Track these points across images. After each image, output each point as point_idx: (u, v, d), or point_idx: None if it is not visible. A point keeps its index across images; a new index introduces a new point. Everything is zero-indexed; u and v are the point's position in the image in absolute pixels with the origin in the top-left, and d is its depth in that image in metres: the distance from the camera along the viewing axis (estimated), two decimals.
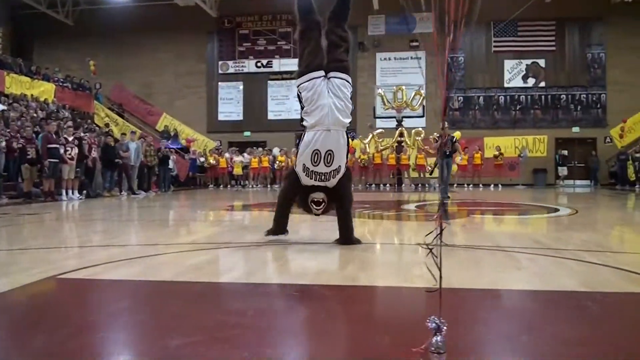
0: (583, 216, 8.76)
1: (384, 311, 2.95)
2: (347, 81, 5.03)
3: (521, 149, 22.70)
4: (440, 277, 2.03)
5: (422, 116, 22.20)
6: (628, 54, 23.55)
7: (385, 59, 24.52)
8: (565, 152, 23.61)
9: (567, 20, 23.87)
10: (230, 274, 3.81)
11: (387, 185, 20.96)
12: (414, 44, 24.29)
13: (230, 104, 25.22)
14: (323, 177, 4.89)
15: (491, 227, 7.38)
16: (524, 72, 24.17)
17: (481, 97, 24.28)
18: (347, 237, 5.08)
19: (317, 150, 4.77)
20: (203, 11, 23.82)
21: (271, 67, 25.17)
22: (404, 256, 4.77)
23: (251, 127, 25.05)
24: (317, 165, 4.80)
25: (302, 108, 4.96)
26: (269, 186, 21.61)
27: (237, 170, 21.95)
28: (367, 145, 20.87)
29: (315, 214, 5.11)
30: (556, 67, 24.08)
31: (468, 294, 3.08)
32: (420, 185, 21.13)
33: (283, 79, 24.90)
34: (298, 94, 5.00)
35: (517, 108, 24.12)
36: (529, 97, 24.13)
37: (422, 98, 21.09)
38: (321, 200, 4.98)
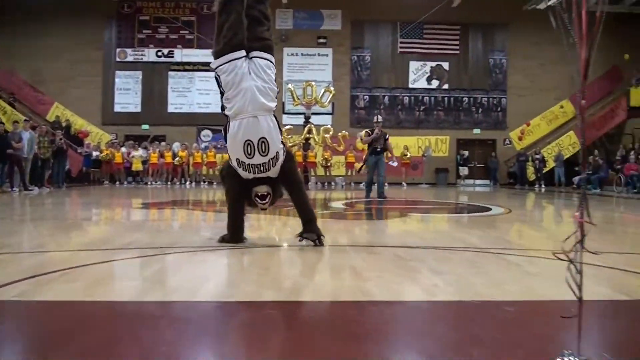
0: (526, 215, 9.20)
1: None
2: (272, 62, 4.66)
3: (425, 148, 23.59)
4: (581, 298, 1.66)
5: (331, 113, 22.43)
6: (527, 60, 25.08)
7: (292, 54, 24.49)
8: (467, 153, 24.67)
9: (471, 25, 24.89)
10: (204, 289, 3.01)
11: None
12: (322, 40, 24.64)
13: (128, 95, 24.00)
14: (262, 168, 4.47)
15: (455, 228, 7.05)
16: (429, 74, 24.96)
17: (386, 97, 24.80)
18: (309, 220, 4.65)
19: (249, 140, 4.35)
20: None
21: (172, 57, 24.20)
22: (387, 259, 4.12)
23: (150, 120, 23.99)
24: (252, 157, 4.38)
25: (221, 94, 4.52)
26: (169, 183, 21.10)
27: (137, 166, 21.06)
28: None
29: (262, 209, 4.76)
30: (459, 70, 25.05)
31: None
32: (326, 183, 21.45)
33: (185, 70, 24.16)
34: (216, 78, 4.52)
35: (421, 109, 24.88)
36: (432, 98, 24.95)
37: (331, 95, 21.13)
38: (266, 193, 4.57)
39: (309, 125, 20.83)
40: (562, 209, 10.93)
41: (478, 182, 24.87)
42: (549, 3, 19.90)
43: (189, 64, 24.14)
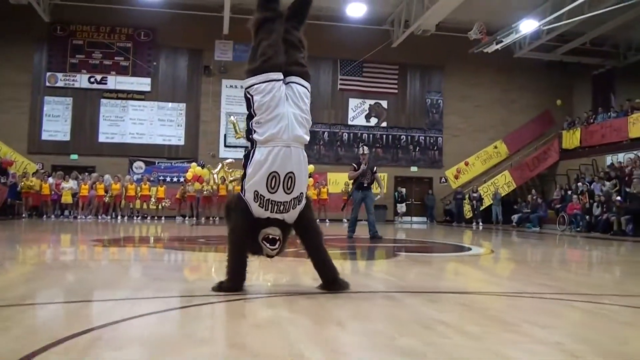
0: (516, 255, 9.29)
1: None
2: (309, 91, 4.32)
3: None
4: None
5: None
6: (462, 101, 26.17)
7: (231, 86, 24.40)
8: (404, 190, 25.15)
9: (409, 66, 25.64)
10: None
11: None
12: None
13: (57, 122, 22.76)
14: (282, 208, 3.98)
15: (472, 270, 6.83)
16: (367, 112, 25.39)
17: (326, 133, 25.04)
18: (334, 279, 4.20)
19: (275, 172, 3.91)
20: (34, 13, 20.99)
21: (105, 83, 23.31)
22: (461, 309, 3.68)
23: (79, 150, 22.86)
24: (275, 192, 3.92)
25: (251, 117, 4.10)
26: (100, 217, 20.30)
27: (66, 198, 19.98)
28: (215, 175, 20.61)
29: (269, 256, 4.14)
30: (398, 109, 25.68)
31: None
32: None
33: (118, 98, 23.32)
34: (248, 98, 4.10)
35: (361, 145, 25.39)
36: (371, 135, 25.38)
37: None
38: (277, 237, 4.03)
39: None
40: (537, 247, 11.25)
41: (415, 219, 25.44)
42: (496, 47, 21.02)
43: (122, 91, 23.36)
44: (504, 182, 24.53)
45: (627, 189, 16.41)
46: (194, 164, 20.96)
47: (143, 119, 23.41)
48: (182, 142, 23.85)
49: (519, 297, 4.30)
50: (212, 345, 2.56)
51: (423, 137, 25.93)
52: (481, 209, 23.09)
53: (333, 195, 22.18)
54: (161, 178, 22.65)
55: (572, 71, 26.04)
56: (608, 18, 20.73)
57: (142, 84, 23.66)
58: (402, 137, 25.60)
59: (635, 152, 19.65)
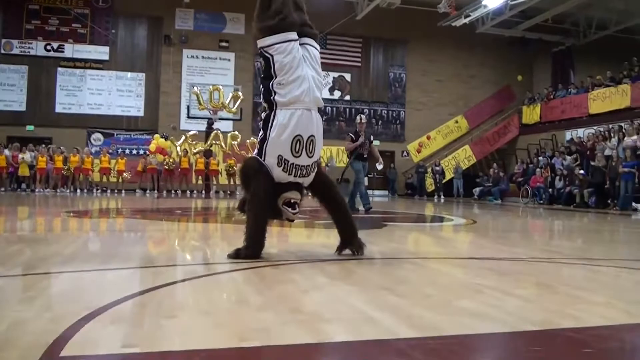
0: (499, 224, 9.56)
1: None
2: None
3: (328, 158, 24.16)
4: None
5: (239, 119, 22.21)
6: (424, 76, 26.46)
7: (192, 56, 24.00)
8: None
9: (373, 39, 25.73)
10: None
11: (194, 192, 20.74)
12: (224, 44, 24.45)
13: (12, 92, 22.06)
14: (304, 172, 3.97)
15: (475, 238, 6.84)
16: (331, 84, 25.38)
17: None
18: (353, 237, 4.18)
19: (299, 136, 3.88)
20: None
21: (63, 51, 22.65)
22: (502, 273, 3.74)
23: (35, 121, 22.28)
24: (299, 156, 3.89)
25: (269, 77, 3.97)
26: (58, 190, 19.75)
27: (23, 171, 19.33)
28: (178, 147, 20.42)
29: (289, 220, 4.12)
30: (361, 82, 25.81)
31: None
32: (229, 192, 21.15)
33: (76, 67, 22.74)
34: (267, 57, 3.97)
35: (323, 118, 25.33)
36: (334, 108, 25.43)
37: (239, 100, 20.84)
38: (298, 201, 4.02)
39: (215, 131, 20.59)
40: (514, 217, 11.48)
41: (377, 192, 25.78)
42: (464, 21, 21.28)
43: (80, 60, 22.78)
44: (465, 157, 25.08)
45: (592, 163, 16.99)
46: (156, 135, 20.61)
47: (101, 89, 22.94)
48: (141, 114, 23.52)
49: (537, 262, 4.38)
50: (272, 311, 2.44)
51: (386, 111, 26.19)
52: (443, 182, 23.62)
53: None
54: (120, 150, 22.35)
55: (532, 48, 26.48)
56: None
57: (101, 52, 23.10)
58: (365, 110, 25.75)
59: (594, 127, 20.34)
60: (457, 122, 26.30)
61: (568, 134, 22.41)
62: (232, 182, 21.29)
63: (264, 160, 3.92)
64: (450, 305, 2.63)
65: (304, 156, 3.92)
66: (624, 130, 17.36)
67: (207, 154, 20.79)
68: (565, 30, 25.64)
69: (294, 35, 4.01)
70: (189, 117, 21.96)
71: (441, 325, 2.23)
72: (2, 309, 2.35)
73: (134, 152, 22.77)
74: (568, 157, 19.41)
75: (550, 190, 18.81)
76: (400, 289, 3.01)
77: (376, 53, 26.18)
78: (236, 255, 3.87)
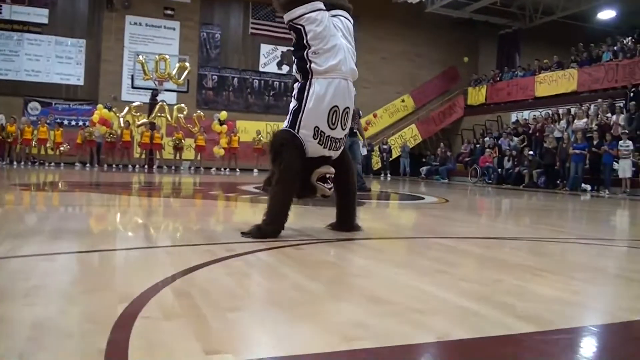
0: (472, 203, 9.75)
1: None
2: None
3: None
4: None
5: (186, 91, 21.42)
6: (371, 54, 26.42)
7: (135, 23, 23.08)
8: None
9: None
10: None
11: (136, 166, 20.13)
12: (169, 12, 23.54)
13: None
14: (338, 145, 3.86)
15: (461, 216, 6.66)
16: (279, 59, 25.06)
17: (236, 79, 24.49)
18: (352, 222, 4.19)
19: (336, 107, 3.74)
20: None
21: (0, 12, 21.38)
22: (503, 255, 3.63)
23: None
24: (335, 127, 3.77)
25: (303, 47, 3.81)
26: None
27: None
28: (121, 119, 19.66)
29: (324, 195, 3.93)
30: None
31: None
32: (174, 167, 20.58)
33: (13, 29, 21.44)
34: (298, 28, 3.81)
35: (271, 94, 24.97)
36: (282, 84, 25.06)
37: (186, 71, 20.23)
38: (332, 174, 3.86)
39: (160, 103, 20.02)
40: (479, 196, 11.60)
41: None
42: None
43: (18, 22, 21.49)
44: (411, 135, 25.38)
45: (544, 144, 17.54)
46: (99, 105, 19.77)
47: (39, 55, 21.77)
48: (81, 82, 22.47)
49: (547, 241, 4.46)
50: (347, 301, 2.22)
51: None
52: (390, 160, 23.89)
53: (242, 144, 21.92)
54: (58, 121, 21.36)
55: (479, 30, 26.95)
56: None
57: (40, 15, 21.81)
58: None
59: (540, 110, 21.05)
60: (403, 101, 26.54)
61: (513, 116, 23.05)
62: (177, 157, 20.84)
63: (297, 132, 3.75)
64: (532, 292, 2.46)
65: (338, 128, 3.79)
66: (573, 114, 18.03)
67: (151, 126, 20.20)
68: (512, 14, 26.17)
69: (320, 4, 3.86)
70: (133, 87, 21.02)
71: (547, 316, 2.05)
72: None
73: (73, 123, 21.82)
74: (515, 138, 20.06)
75: (499, 170, 19.39)
76: (457, 272, 2.89)
77: None
78: (257, 232, 3.61)
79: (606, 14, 25.08)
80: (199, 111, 21.16)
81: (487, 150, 20.19)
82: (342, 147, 3.96)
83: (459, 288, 2.48)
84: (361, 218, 4.56)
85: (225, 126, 20.93)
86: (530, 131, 19.88)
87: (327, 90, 3.73)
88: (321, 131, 3.73)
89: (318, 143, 3.75)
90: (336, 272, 2.87)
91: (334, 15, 4.00)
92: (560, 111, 19.20)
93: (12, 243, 3.11)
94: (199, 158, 21.26)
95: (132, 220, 5.08)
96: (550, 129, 18.20)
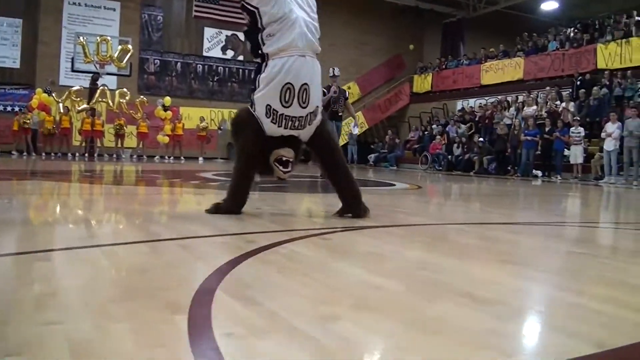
0: (446, 189, 9.79)
1: None
2: None
3: (220, 121, 23.58)
4: None
5: (129, 75, 20.63)
6: (320, 40, 26.44)
7: (73, 3, 22.06)
8: None
9: None
10: None
11: (76, 154, 19.27)
12: None
13: None
14: (297, 124, 3.77)
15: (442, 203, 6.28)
16: (224, 43, 24.55)
17: (179, 64, 23.84)
18: (358, 200, 4.03)
19: (289, 84, 3.65)
20: None
21: None
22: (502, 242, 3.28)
23: None
24: (289, 105, 3.68)
25: (257, 30, 3.76)
26: None
27: None
28: (60, 104, 18.83)
29: (280, 178, 4.01)
30: None
31: None
32: (115, 155, 19.78)
33: None
34: (251, 11, 3.77)
35: (215, 79, 24.41)
36: (227, 69, 24.62)
37: (129, 54, 19.45)
38: (290, 159, 3.88)
39: (101, 87, 19.32)
40: (447, 182, 11.64)
41: None
42: None
43: None
44: (358, 123, 25.48)
45: (497, 131, 17.89)
46: (39, 89, 18.81)
47: None
48: (17, 65, 21.34)
49: (559, 225, 4.60)
50: (442, 299, 1.94)
51: None
52: None
53: (186, 131, 21.42)
54: None
55: (425, 18, 27.19)
56: None
57: None
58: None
59: (486, 98, 21.56)
60: (349, 88, 26.53)
61: (459, 104, 23.50)
62: (119, 145, 20.20)
63: (254, 111, 3.77)
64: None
65: (295, 106, 3.71)
66: (522, 101, 18.64)
67: (92, 112, 19.48)
68: (457, 3, 26.58)
69: None
70: (72, 70, 20.07)
71: None
72: None
73: (9, 108, 20.84)
74: (462, 126, 20.46)
75: (449, 157, 19.72)
76: (532, 264, 2.73)
77: None
78: (216, 209, 3.80)
79: (549, 5, 25.77)
80: (142, 97, 20.57)
81: (438, 137, 20.46)
82: (307, 126, 3.84)
83: (561, 284, 2.33)
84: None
85: (169, 112, 20.39)
86: (477, 118, 20.30)
87: (281, 68, 3.66)
88: (273, 109, 3.69)
89: (272, 122, 3.72)
90: (396, 265, 2.58)
91: None
92: (510, 99, 19.68)
93: None
94: (141, 146, 20.68)
95: (119, 210, 4.46)
96: (499, 116, 18.64)
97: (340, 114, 9.99)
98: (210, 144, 22.67)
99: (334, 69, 10.67)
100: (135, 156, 20.55)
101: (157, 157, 20.42)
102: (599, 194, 10.55)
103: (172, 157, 20.62)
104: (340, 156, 4.14)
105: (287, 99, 3.66)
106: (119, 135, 19.98)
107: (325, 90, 9.66)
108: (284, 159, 3.83)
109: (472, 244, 3.40)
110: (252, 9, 3.73)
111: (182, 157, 20.60)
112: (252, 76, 4.00)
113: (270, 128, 3.75)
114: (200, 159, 21.24)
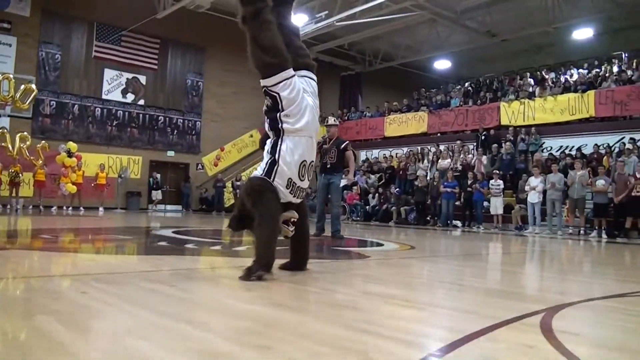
0: (446, 249, 8.54)
1: None
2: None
3: (121, 169, 22.35)
4: None
5: (31, 118, 19.17)
6: (221, 87, 25.98)
7: None
8: (159, 176, 23.64)
9: (172, 41, 24.31)
10: None
11: None
12: (6, 25, 20.66)
13: None
14: (302, 194, 4.37)
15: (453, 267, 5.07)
16: (124, 86, 23.41)
17: (76, 106, 22.21)
18: (305, 262, 4.62)
19: (305, 161, 4.25)
20: None
21: None
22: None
23: None
24: (304, 179, 4.28)
25: (276, 110, 4.23)
26: None
27: None
28: None
29: (286, 237, 4.32)
30: (156, 86, 24.19)
31: None
32: (9, 206, 17.74)
33: None
34: (273, 95, 4.21)
35: (114, 124, 23.07)
36: (127, 113, 23.42)
37: (33, 94, 18.12)
38: (295, 219, 4.29)
39: (1, 130, 17.64)
40: (431, 239, 10.92)
41: (169, 207, 24.53)
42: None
43: None
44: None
45: (417, 182, 18.48)
46: None
47: None
48: None
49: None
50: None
51: (182, 120, 24.95)
52: None
53: (85, 179, 20.05)
54: None
55: (323, 70, 27.84)
56: (360, 28, 23.05)
57: None
58: (160, 118, 24.30)
59: (390, 149, 22.42)
60: (252, 136, 26.28)
61: (363, 154, 24.15)
62: (13, 194, 18.38)
63: (272, 181, 4.16)
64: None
65: (305, 180, 4.31)
66: (437, 154, 19.65)
67: None
68: (354, 57, 27.56)
69: (292, 71, 4.24)
70: None
71: None
72: None
73: None
74: (372, 176, 21.07)
75: (366, 207, 20.03)
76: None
77: (174, 57, 24.69)
78: (249, 273, 3.85)
79: (442, 64, 27.41)
80: (43, 142, 19.07)
81: (354, 187, 20.72)
82: (302, 196, 4.41)
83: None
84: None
85: (74, 159, 19.03)
86: (386, 169, 21.04)
87: (296, 147, 4.22)
88: (293, 182, 4.22)
89: (290, 192, 4.22)
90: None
91: (301, 76, 4.37)
92: (425, 150, 20.59)
93: None
94: (36, 195, 19.00)
95: None
96: (413, 168, 19.41)
97: (328, 166, 9.17)
98: (109, 192, 21.44)
99: (328, 118, 10.33)
100: (30, 207, 18.86)
101: (54, 207, 18.91)
102: (541, 244, 10.87)
103: (70, 208, 19.17)
104: (306, 223, 4.65)
105: (302, 173, 4.26)
106: (14, 183, 18.20)
107: (320, 139, 9.14)
108: (292, 219, 4.24)
109: None
110: (274, 94, 4.22)
111: (81, 207, 19.17)
112: (267, 147, 4.32)
113: (286, 197, 4.22)
114: (101, 209, 19.99)
